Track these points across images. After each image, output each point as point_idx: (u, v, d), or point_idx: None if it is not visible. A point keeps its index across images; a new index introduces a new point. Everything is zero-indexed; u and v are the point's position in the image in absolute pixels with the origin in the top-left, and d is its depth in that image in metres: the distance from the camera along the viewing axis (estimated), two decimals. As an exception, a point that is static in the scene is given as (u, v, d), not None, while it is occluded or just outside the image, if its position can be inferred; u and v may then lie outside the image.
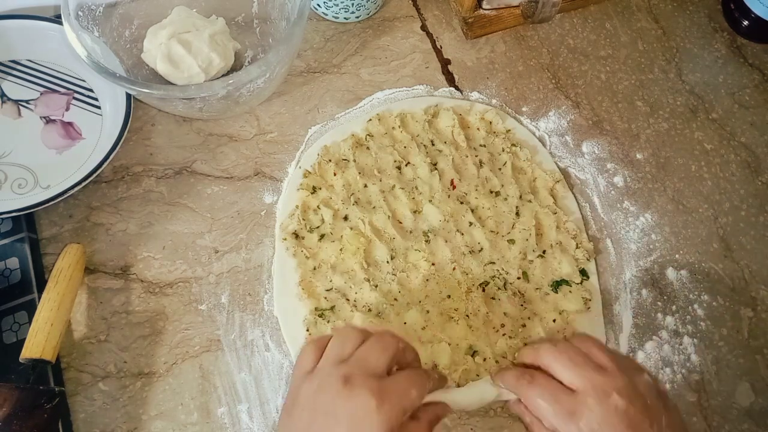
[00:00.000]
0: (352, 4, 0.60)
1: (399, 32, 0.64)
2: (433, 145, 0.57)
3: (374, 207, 0.54)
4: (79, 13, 0.51)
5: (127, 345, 0.50)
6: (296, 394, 0.40)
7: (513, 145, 0.57)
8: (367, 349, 0.40)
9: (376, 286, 0.51)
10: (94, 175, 0.52)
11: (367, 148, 0.57)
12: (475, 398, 0.46)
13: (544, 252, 0.53)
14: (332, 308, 0.50)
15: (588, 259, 0.53)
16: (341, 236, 0.52)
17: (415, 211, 0.54)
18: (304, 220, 0.53)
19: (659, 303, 0.53)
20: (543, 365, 0.42)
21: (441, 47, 0.63)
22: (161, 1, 0.58)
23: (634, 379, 0.40)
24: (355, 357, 0.39)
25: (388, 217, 0.53)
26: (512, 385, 0.43)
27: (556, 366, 0.41)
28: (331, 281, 0.51)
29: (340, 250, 0.52)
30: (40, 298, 0.48)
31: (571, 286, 0.52)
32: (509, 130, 0.58)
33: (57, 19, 0.55)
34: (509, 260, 0.53)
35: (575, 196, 0.56)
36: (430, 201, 0.54)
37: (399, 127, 0.57)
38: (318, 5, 0.61)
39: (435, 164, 0.56)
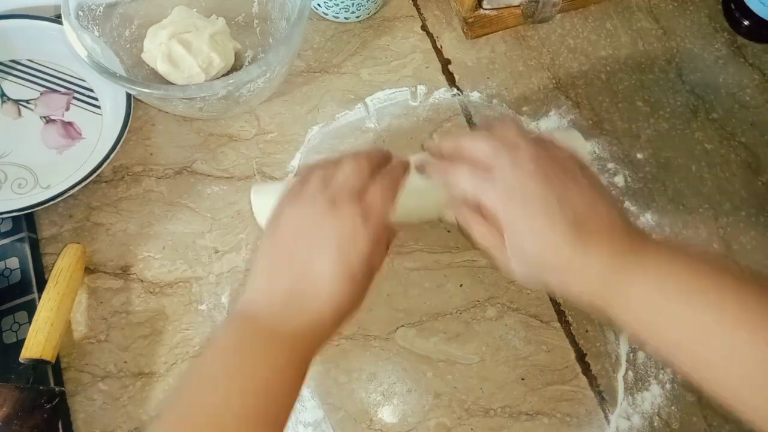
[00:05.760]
0: (353, 4, 0.60)
1: (399, 32, 0.64)
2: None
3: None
4: (80, 12, 0.51)
5: (127, 345, 0.50)
6: (281, 214, 0.43)
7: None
8: (347, 172, 0.43)
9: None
10: (94, 175, 0.52)
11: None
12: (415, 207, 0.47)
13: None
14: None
15: None
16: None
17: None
18: (304, 220, 0.53)
19: (659, 303, 0.53)
20: (464, 151, 0.44)
21: (441, 47, 0.63)
22: (161, 1, 0.58)
23: (547, 148, 0.42)
24: (338, 181, 0.42)
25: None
26: (436, 170, 0.45)
27: (473, 148, 0.43)
28: (331, 281, 0.51)
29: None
30: (40, 298, 0.48)
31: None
32: None
33: (57, 19, 0.55)
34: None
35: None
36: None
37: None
38: (318, 5, 0.61)
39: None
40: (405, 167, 0.46)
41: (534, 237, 0.39)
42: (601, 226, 0.39)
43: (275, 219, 0.43)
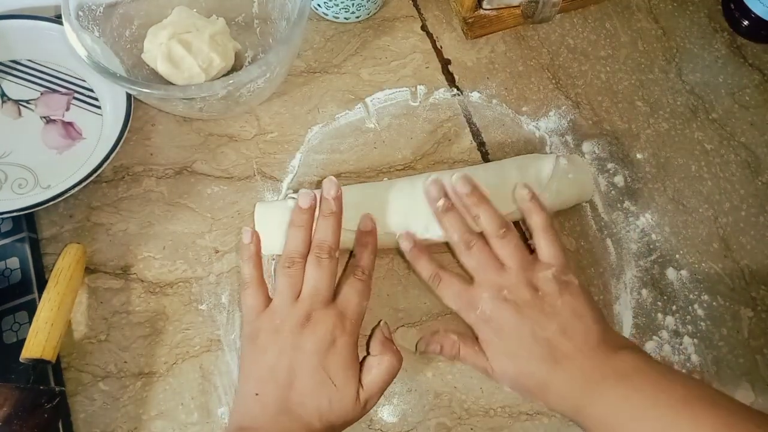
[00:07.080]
0: (353, 4, 0.60)
1: (399, 32, 0.64)
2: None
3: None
4: (80, 13, 0.51)
5: (127, 345, 0.50)
6: (255, 329, 0.45)
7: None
8: (315, 281, 0.45)
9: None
10: (95, 175, 0.52)
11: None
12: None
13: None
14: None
15: None
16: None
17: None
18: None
19: (659, 303, 0.53)
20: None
21: (441, 47, 0.63)
22: (161, 1, 0.58)
23: (530, 275, 0.46)
24: (307, 292, 0.45)
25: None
26: (426, 281, 0.49)
27: (464, 262, 0.48)
28: (331, 281, 0.51)
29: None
30: (40, 298, 0.48)
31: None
32: None
33: (57, 19, 0.55)
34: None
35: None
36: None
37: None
38: (318, 5, 0.61)
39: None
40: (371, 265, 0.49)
41: (513, 365, 0.44)
42: (572, 348, 0.43)
43: (250, 333, 0.46)
